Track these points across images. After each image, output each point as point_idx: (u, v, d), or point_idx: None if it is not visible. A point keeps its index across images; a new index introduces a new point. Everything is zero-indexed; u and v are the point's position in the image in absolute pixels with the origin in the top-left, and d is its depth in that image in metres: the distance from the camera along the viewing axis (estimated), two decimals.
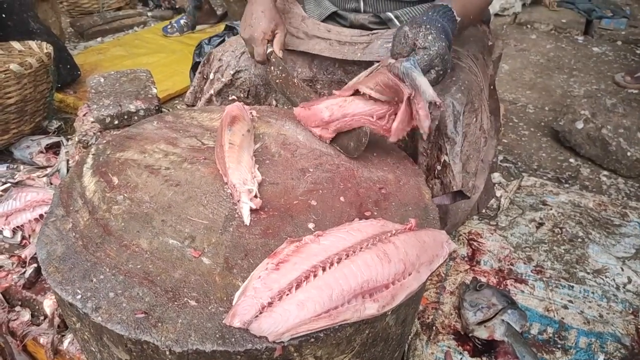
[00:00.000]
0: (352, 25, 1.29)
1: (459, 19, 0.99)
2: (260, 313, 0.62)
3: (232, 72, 1.29)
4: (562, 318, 1.23)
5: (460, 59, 1.16)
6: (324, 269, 0.66)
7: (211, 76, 1.33)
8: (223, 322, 0.63)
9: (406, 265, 0.70)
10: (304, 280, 0.64)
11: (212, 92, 1.33)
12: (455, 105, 1.04)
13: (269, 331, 0.61)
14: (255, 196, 0.84)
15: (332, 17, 1.33)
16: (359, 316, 0.65)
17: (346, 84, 1.28)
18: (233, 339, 0.62)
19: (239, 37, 1.35)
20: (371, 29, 1.25)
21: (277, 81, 1.17)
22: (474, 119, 1.09)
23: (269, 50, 1.16)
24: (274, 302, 0.63)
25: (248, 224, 0.79)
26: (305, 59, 1.29)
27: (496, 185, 1.71)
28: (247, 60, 1.28)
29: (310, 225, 0.81)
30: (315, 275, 0.65)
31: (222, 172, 0.90)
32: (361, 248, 0.69)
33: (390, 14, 1.24)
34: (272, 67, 1.17)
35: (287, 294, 0.63)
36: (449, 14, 0.97)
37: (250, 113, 1.08)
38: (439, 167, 1.08)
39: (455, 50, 1.18)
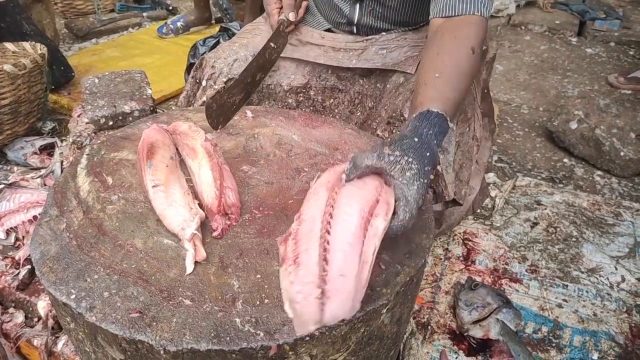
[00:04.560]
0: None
1: (452, 124, 0.83)
2: (323, 306, 0.60)
3: (224, 80, 1.28)
4: (557, 317, 1.23)
5: None
6: (328, 232, 0.64)
7: (204, 83, 1.33)
8: (297, 335, 0.62)
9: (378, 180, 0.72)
10: (323, 255, 0.62)
11: (204, 98, 1.33)
12: None
13: (343, 313, 0.61)
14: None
15: (328, 30, 1.34)
16: (379, 237, 0.65)
17: (340, 90, 1.29)
18: (228, 338, 0.62)
19: (231, 43, 1.35)
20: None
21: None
22: (467, 128, 1.10)
23: (281, 17, 1.16)
24: (322, 288, 0.60)
25: (189, 272, 0.71)
26: (299, 65, 1.28)
27: (491, 185, 1.72)
28: (240, 67, 1.28)
29: None
30: (327, 243, 0.63)
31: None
32: (336, 194, 0.70)
33: (383, 33, 1.25)
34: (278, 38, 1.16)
35: (325, 275, 0.61)
36: (443, 127, 0.80)
37: (246, 111, 1.07)
38: (431, 176, 1.08)
39: None
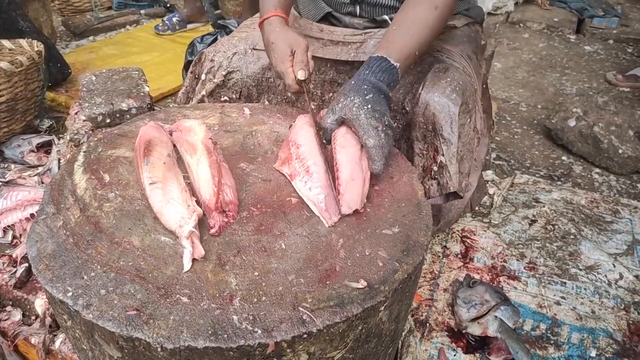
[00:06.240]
0: (346, 27, 1.29)
1: (397, 64, 0.95)
2: (340, 201, 0.80)
3: (224, 73, 1.28)
4: (555, 314, 1.23)
5: (454, 59, 1.16)
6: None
7: (203, 77, 1.33)
8: (328, 226, 0.79)
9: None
10: (334, 168, 0.84)
11: (204, 92, 1.32)
12: (451, 106, 1.04)
13: (355, 205, 0.81)
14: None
15: (327, 19, 1.33)
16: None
17: (338, 83, 1.29)
18: (225, 335, 0.61)
19: (231, 37, 1.35)
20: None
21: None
22: (468, 120, 1.09)
23: (298, 78, 1.01)
24: (338, 189, 0.81)
25: (187, 270, 0.71)
26: None
27: (489, 182, 1.72)
28: (239, 61, 1.28)
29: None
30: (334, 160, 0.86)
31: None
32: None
33: (385, 16, 1.24)
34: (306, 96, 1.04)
35: (338, 177, 0.82)
36: (383, 66, 0.94)
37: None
38: (435, 168, 1.08)
39: (449, 51, 1.18)
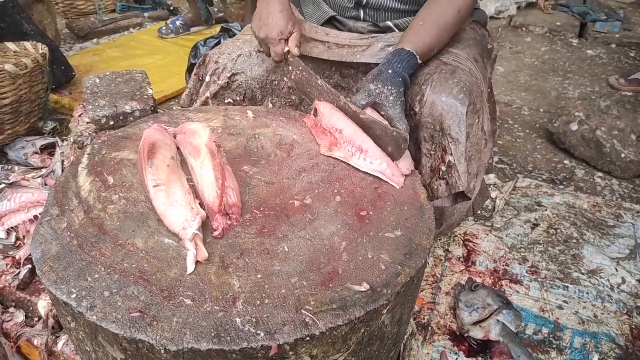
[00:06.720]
0: (351, 32, 1.29)
1: (420, 62, 1.07)
2: (398, 166, 0.95)
3: (228, 75, 1.28)
4: (557, 318, 1.23)
5: (461, 62, 1.16)
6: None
7: (207, 79, 1.33)
8: (399, 187, 0.91)
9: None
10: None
11: (208, 94, 1.32)
12: (458, 106, 1.04)
13: (408, 170, 0.96)
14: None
15: (331, 22, 1.34)
16: None
17: (343, 87, 1.29)
18: (229, 338, 0.62)
19: (235, 40, 1.35)
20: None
21: (297, 80, 1.14)
22: (477, 120, 1.09)
23: (286, 49, 1.13)
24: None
25: (190, 272, 0.71)
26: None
27: (491, 186, 1.72)
28: (244, 63, 1.28)
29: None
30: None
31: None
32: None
33: (389, 23, 1.25)
34: (291, 68, 1.14)
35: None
36: (412, 63, 1.05)
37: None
38: (444, 168, 1.08)
39: (456, 54, 1.19)
